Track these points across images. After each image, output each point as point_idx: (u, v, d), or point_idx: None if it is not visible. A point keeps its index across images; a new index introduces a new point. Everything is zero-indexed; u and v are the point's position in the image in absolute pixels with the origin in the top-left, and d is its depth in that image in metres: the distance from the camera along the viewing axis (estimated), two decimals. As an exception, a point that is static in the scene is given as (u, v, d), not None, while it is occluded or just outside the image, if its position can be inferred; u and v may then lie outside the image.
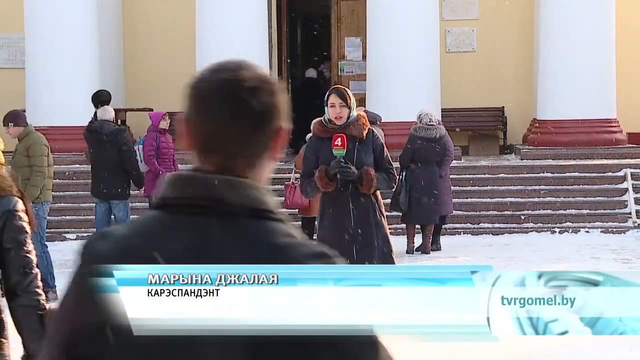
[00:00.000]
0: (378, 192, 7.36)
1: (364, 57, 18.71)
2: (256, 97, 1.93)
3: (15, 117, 11.03)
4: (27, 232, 4.17)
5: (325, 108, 7.34)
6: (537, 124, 18.01)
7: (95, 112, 12.74)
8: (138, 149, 13.42)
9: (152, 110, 18.64)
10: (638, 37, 19.25)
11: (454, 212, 14.05)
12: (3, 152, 6.42)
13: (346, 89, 7.58)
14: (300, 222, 13.59)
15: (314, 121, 7.50)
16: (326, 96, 7.37)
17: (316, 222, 7.32)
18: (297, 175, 12.95)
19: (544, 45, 17.67)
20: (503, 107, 19.40)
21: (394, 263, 7.26)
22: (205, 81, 1.95)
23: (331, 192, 7.17)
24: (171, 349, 1.86)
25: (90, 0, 17.68)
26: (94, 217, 15.87)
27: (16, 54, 19.56)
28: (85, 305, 1.88)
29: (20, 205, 4.19)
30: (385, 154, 7.38)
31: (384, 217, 7.35)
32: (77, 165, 16.69)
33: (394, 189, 9.91)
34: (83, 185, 15.98)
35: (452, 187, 13.82)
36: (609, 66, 17.26)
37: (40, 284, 4.17)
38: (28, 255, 4.12)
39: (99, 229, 12.61)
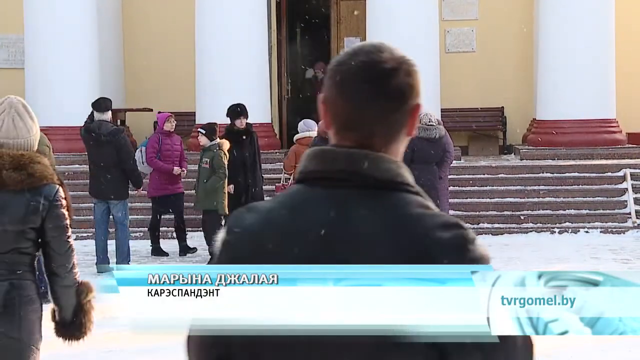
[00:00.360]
0: None
1: (364, 57, 18.69)
2: (393, 78, 2.05)
3: None
4: (67, 219, 4.50)
5: None
6: (537, 124, 18.01)
7: (92, 113, 12.71)
8: (141, 150, 13.50)
9: (151, 110, 18.66)
10: (637, 37, 19.25)
11: (452, 212, 14.05)
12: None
13: None
14: None
15: (320, 122, 7.65)
16: None
17: None
18: (287, 176, 13.15)
19: (544, 45, 17.67)
20: (502, 107, 19.40)
21: None
22: (344, 64, 2.06)
23: None
24: (296, 348, 1.95)
25: (90, 0, 17.68)
26: (92, 217, 15.87)
27: (16, 54, 19.55)
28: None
29: (61, 193, 4.47)
30: None
31: None
32: (77, 166, 16.69)
33: None
34: (82, 185, 15.96)
35: (451, 188, 13.83)
36: (608, 66, 17.26)
37: (77, 262, 4.57)
38: (69, 240, 4.49)
39: (98, 229, 12.61)
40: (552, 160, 16.77)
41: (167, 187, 13.33)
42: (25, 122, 4.53)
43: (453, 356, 1.95)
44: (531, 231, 15.14)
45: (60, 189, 4.47)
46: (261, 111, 17.19)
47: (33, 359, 4.48)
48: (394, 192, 2.00)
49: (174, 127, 13.57)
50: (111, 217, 12.51)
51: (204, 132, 12.85)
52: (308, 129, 13.26)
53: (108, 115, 12.60)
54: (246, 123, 13.10)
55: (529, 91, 19.10)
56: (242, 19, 16.99)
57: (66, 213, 4.48)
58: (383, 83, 2.03)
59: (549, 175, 16.18)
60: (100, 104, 12.63)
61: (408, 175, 2.03)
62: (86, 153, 13.22)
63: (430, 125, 13.17)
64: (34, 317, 4.45)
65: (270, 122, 17.70)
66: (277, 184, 13.59)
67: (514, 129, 19.06)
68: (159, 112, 15.25)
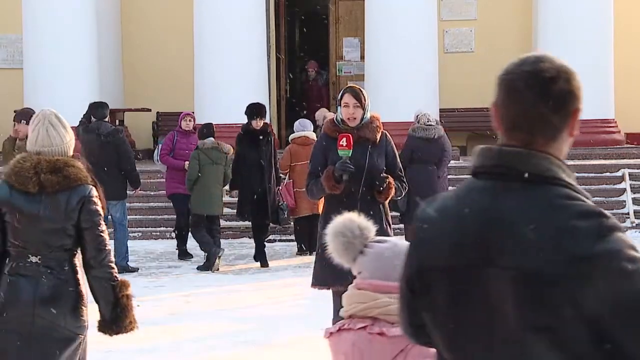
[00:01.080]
0: (386, 201, 6.99)
1: (362, 57, 18.71)
2: (553, 84, 2.31)
3: (30, 116, 10.98)
4: (101, 215, 4.94)
5: (338, 108, 6.98)
6: (535, 124, 18.01)
7: (87, 113, 12.68)
8: (158, 148, 13.56)
9: (149, 110, 18.68)
10: (636, 37, 19.26)
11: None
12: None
13: (362, 88, 7.17)
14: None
15: (326, 120, 7.14)
16: (340, 95, 7.02)
17: (319, 228, 6.76)
18: (282, 176, 13.09)
19: (542, 45, 17.66)
20: (501, 107, 19.41)
21: None
22: (511, 73, 2.39)
23: (337, 196, 6.72)
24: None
25: (88, 0, 17.67)
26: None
27: (14, 54, 19.54)
28: (417, 249, 2.43)
29: (94, 192, 4.94)
30: (397, 159, 7.09)
31: (390, 227, 7.00)
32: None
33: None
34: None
35: (449, 188, 13.80)
36: (607, 66, 17.27)
37: (113, 258, 5.00)
38: (102, 234, 4.90)
39: None
40: (551, 160, 16.77)
41: (179, 186, 12.95)
42: (58, 131, 5.01)
43: None
44: (530, 231, 15.14)
45: (94, 189, 4.92)
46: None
47: (80, 346, 4.96)
48: (543, 185, 2.29)
49: (190, 126, 13.43)
50: (109, 217, 12.47)
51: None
52: (303, 128, 13.43)
53: (106, 116, 12.65)
54: (264, 123, 12.91)
55: (528, 91, 19.09)
56: (241, 19, 16.99)
57: (100, 210, 4.93)
58: (544, 89, 2.31)
59: (547, 175, 16.17)
60: (98, 112, 12.62)
61: (558, 170, 2.31)
62: (84, 153, 13.10)
63: (429, 125, 13.17)
64: (79, 307, 4.89)
65: (269, 122, 17.71)
66: (282, 183, 13.36)
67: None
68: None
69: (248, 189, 12.66)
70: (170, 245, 13.95)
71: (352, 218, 3.38)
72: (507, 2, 19.65)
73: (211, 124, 13.17)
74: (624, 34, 18.50)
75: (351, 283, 5.83)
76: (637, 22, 19.38)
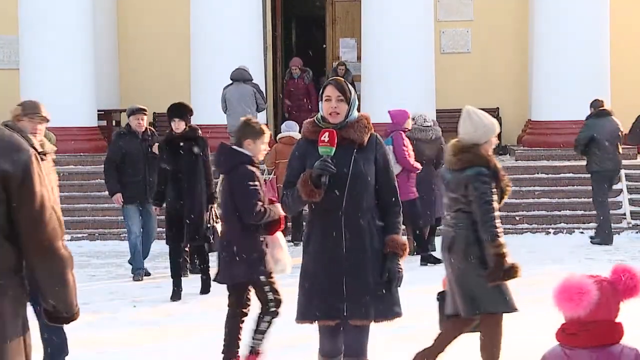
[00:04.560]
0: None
1: (359, 58, 18.71)
2: None
3: None
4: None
5: (320, 103, 5.73)
6: (532, 125, 18.03)
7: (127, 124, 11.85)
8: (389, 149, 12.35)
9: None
10: (632, 37, 19.29)
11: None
12: None
13: (346, 81, 5.85)
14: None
15: (305, 121, 5.82)
16: (322, 89, 5.77)
17: (302, 245, 5.81)
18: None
19: (539, 45, 17.68)
20: (497, 107, 19.42)
21: (394, 309, 5.68)
22: None
23: (319, 207, 5.59)
24: None
25: (85, 1, 17.66)
26: (93, 218, 15.88)
27: (10, 55, 19.55)
28: None
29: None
30: (390, 167, 5.74)
31: (378, 240, 5.69)
32: (72, 166, 16.67)
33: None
34: (77, 186, 15.97)
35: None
36: (603, 67, 17.28)
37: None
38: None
39: (136, 233, 11.82)
40: (547, 161, 16.79)
41: None
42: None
43: None
44: (526, 232, 15.15)
45: None
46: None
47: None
48: None
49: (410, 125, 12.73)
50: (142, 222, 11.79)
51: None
52: (288, 129, 14.46)
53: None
54: (189, 128, 10.65)
55: (524, 92, 19.12)
56: (236, 21, 16.99)
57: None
58: None
59: (543, 176, 16.19)
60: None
61: None
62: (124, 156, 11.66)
63: (426, 126, 13.18)
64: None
65: (266, 122, 17.71)
66: (266, 179, 13.37)
67: (509, 130, 19.08)
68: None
69: (169, 207, 10.69)
70: (166, 246, 13.92)
71: None
72: (504, 3, 19.67)
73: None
74: (620, 34, 18.52)
75: (341, 317, 5.48)
76: (633, 22, 19.40)
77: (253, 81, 15.06)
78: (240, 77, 14.91)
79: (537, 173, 16.27)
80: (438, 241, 13.63)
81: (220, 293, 11.32)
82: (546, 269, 12.23)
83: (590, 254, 13.25)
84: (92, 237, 15.21)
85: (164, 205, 10.79)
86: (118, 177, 11.54)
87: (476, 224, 6.67)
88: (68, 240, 14.88)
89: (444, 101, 17.97)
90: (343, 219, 5.55)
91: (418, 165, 12.58)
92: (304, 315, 5.68)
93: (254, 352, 7.40)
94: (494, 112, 19.34)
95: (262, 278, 7.29)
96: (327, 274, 5.58)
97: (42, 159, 4.11)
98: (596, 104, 14.59)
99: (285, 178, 5.76)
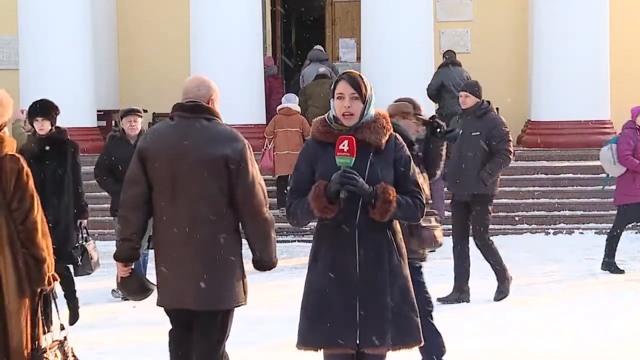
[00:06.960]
0: (397, 224, 5.10)
1: (359, 58, 18.71)
2: None
3: None
4: None
5: (331, 101, 5.12)
6: (531, 125, 18.03)
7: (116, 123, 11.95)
8: (611, 148, 11.80)
9: (145, 111, 18.62)
10: (631, 38, 19.29)
11: (447, 212, 14.04)
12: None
13: (362, 75, 5.32)
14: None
15: (315, 120, 5.20)
16: (333, 84, 5.18)
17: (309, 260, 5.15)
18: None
19: (538, 46, 17.69)
20: (497, 108, 19.37)
21: (414, 334, 5.02)
22: None
23: (330, 220, 4.94)
24: None
25: (84, 1, 17.67)
26: (93, 218, 15.84)
27: (10, 55, 19.56)
28: None
29: None
30: (411, 171, 5.06)
31: (403, 260, 5.05)
32: (71, 167, 16.65)
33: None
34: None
35: (446, 188, 13.81)
36: (602, 67, 17.28)
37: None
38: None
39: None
40: (547, 161, 16.79)
41: None
42: None
43: None
44: (526, 232, 15.15)
45: None
46: (256, 112, 17.22)
47: None
48: None
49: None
50: None
51: None
52: (287, 101, 15.27)
53: None
54: (56, 129, 8.91)
55: (524, 92, 19.12)
56: (237, 20, 16.99)
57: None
58: None
59: (543, 176, 16.19)
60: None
61: None
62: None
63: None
64: None
65: (265, 123, 17.70)
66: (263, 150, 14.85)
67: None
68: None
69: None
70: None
71: None
72: (503, 3, 19.67)
73: None
74: (619, 35, 18.51)
75: (352, 345, 4.85)
76: (633, 23, 19.41)
77: (328, 61, 17.11)
78: (316, 57, 17.10)
79: (537, 173, 16.27)
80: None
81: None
82: (546, 269, 12.26)
83: (590, 255, 13.24)
84: (92, 237, 15.17)
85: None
86: (113, 179, 10.62)
87: None
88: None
89: (444, 101, 17.97)
90: (357, 232, 4.91)
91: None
92: (306, 340, 5.00)
93: None
94: (494, 113, 19.34)
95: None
96: (337, 294, 4.91)
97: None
98: (449, 55, 16.52)
99: (291, 184, 5.14)
